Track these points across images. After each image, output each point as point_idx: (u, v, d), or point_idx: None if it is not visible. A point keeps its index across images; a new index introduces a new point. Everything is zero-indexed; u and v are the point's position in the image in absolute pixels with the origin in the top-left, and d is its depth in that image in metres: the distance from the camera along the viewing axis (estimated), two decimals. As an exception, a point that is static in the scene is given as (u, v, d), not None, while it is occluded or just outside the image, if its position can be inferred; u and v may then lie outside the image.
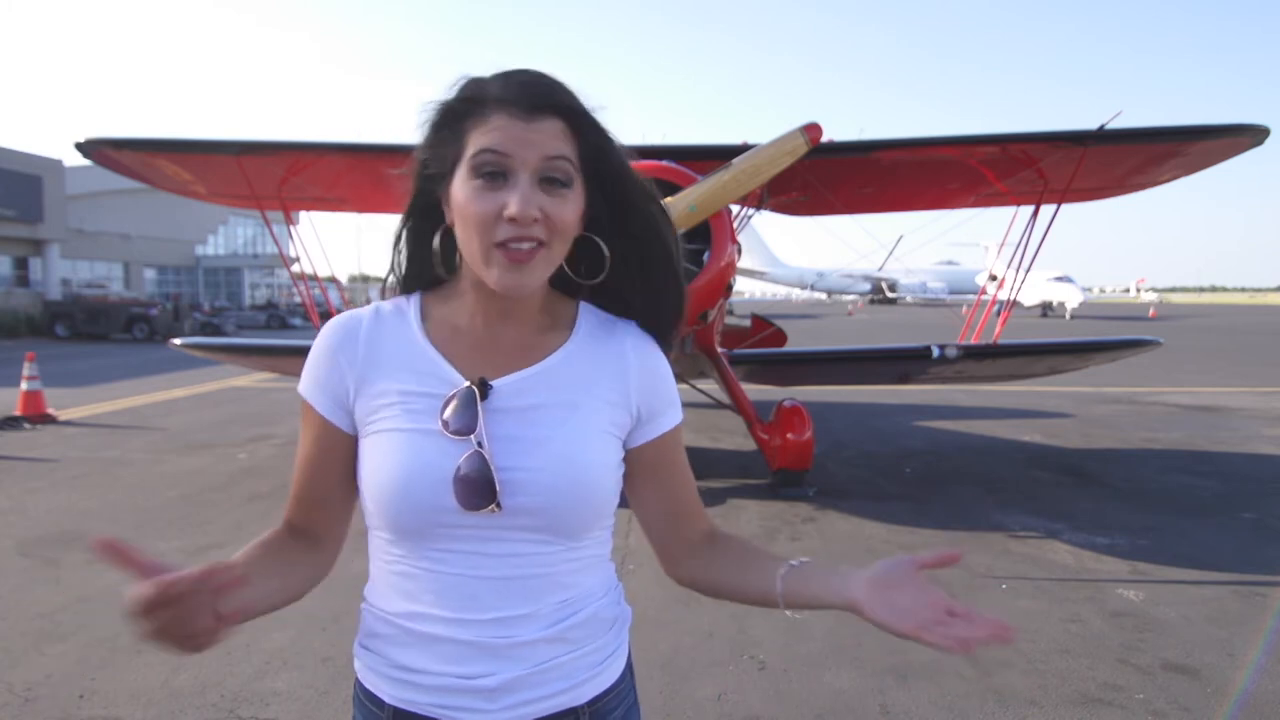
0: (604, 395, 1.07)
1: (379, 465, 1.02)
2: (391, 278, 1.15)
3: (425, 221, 1.09)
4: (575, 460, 1.02)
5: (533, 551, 1.02)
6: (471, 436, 0.99)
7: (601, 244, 1.08)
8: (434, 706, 1.02)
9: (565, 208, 1.00)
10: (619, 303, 1.15)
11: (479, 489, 0.98)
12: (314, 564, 1.11)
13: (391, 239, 1.13)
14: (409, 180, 1.09)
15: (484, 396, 1.01)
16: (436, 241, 1.07)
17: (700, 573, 1.16)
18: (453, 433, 0.99)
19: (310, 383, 1.08)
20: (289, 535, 1.11)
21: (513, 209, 0.95)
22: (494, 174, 0.97)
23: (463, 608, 1.01)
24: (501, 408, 1.02)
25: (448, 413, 1.00)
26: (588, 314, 1.13)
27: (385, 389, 1.04)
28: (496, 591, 1.01)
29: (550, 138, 0.98)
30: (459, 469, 0.98)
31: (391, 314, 1.09)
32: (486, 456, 0.98)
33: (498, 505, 0.98)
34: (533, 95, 0.99)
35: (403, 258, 1.13)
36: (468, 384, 1.02)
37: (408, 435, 1.01)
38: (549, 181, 0.98)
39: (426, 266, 1.11)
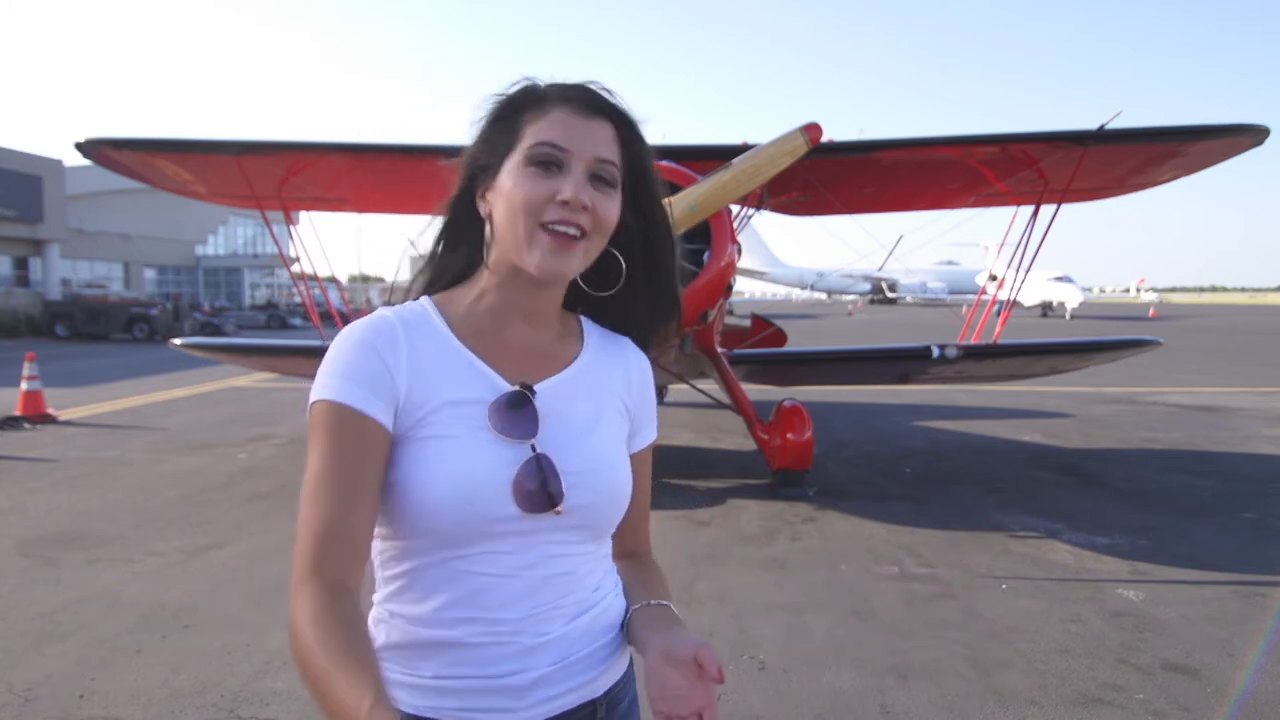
0: (617, 403, 1.13)
1: (433, 474, 0.97)
2: (421, 278, 1.14)
3: (465, 216, 1.10)
4: (610, 463, 1.08)
5: (565, 552, 1.04)
6: (532, 441, 1.01)
7: (620, 258, 1.12)
8: (460, 710, 1.00)
9: (610, 206, 1.04)
10: (620, 312, 1.18)
11: (543, 492, 0.99)
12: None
13: (434, 236, 1.13)
14: (456, 174, 1.10)
15: (529, 401, 1.03)
16: (489, 233, 1.07)
17: None
18: (514, 437, 1.00)
19: (350, 383, 0.97)
20: (345, 601, 0.91)
21: (567, 193, 0.99)
22: (548, 164, 1.01)
23: (496, 607, 1.01)
24: (543, 411, 1.04)
25: (506, 416, 1.01)
26: (590, 326, 1.17)
27: (430, 395, 1.00)
28: (530, 590, 1.02)
29: (604, 140, 1.03)
30: (520, 471, 0.99)
31: (415, 320, 1.05)
32: (550, 460, 1.01)
33: (560, 508, 1.00)
34: (593, 97, 1.05)
35: (439, 256, 1.13)
36: (515, 388, 1.03)
37: (462, 442, 0.99)
38: (598, 180, 1.02)
39: (454, 264, 1.12)
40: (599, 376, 1.12)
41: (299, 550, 0.94)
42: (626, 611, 1.12)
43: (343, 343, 1.01)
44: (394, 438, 0.99)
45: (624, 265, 1.12)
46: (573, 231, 1.00)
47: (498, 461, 0.99)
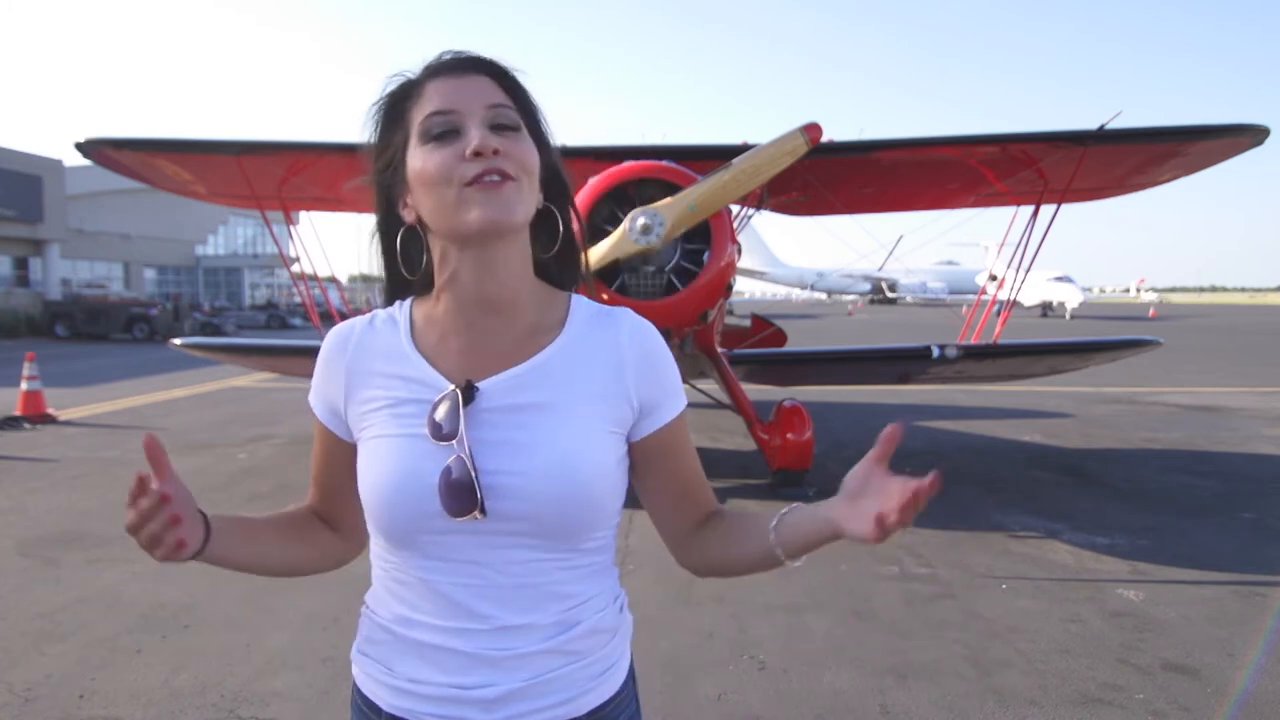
0: (599, 391, 1.04)
1: (367, 472, 1.03)
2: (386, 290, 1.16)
3: (395, 226, 1.09)
4: (564, 465, 0.99)
5: (528, 559, 1.00)
6: (454, 441, 0.98)
7: (556, 211, 1.09)
8: (431, 716, 1.01)
9: (523, 147, 1.00)
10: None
11: (461, 494, 0.96)
12: (331, 545, 1.19)
13: (378, 249, 1.14)
14: (374, 189, 1.09)
15: (469, 400, 1.00)
16: (398, 241, 1.08)
17: (703, 553, 1.13)
18: (439, 438, 0.98)
19: (312, 390, 1.13)
20: (311, 514, 1.18)
21: (473, 144, 0.96)
22: (444, 132, 0.98)
23: (461, 617, 1.00)
24: (489, 409, 1.00)
25: (438, 416, 0.99)
26: (581, 307, 1.10)
27: (373, 396, 1.05)
28: (494, 601, 1.00)
29: (488, 89, 1.01)
30: (443, 471, 0.97)
31: (385, 321, 1.10)
32: (467, 461, 0.97)
33: (481, 511, 0.96)
34: (459, 59, 1.03)
35: (385, 266, 1.13)
36: (453, 387, 1.01)
37: (395, 441, 1.01)
38: (499, 127, 0.99)
39: (401, 272, 1.12)
40: (574, 363, 1.04)
41: None
42: (768, 534, 1.03)
43: (320, 352, 1.13)
44: (353, 438, 1.09)
45: (561, 224, 1.09)
46: (495, 177, 0.96)
47: (424, 461, 0.98)
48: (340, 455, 1.11)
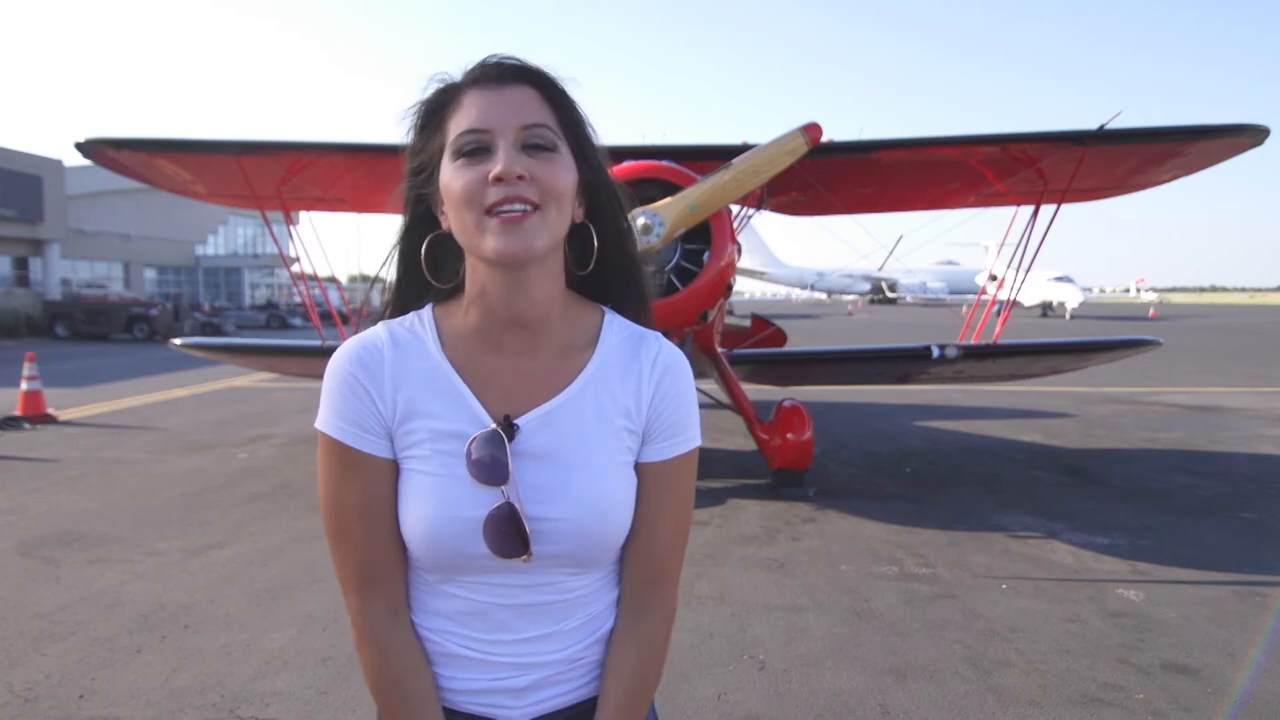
0: (622, 421, 1.05)
1: (410, 508, 1.01)
2: (388, 297, 1.11)
3: (425, 230, 1.07)
4: (599, 505, 1.01)
5: (559, 581, 1.05)
6: (502, 488, 0.98)
7: (592, 230, 1.06)
8: (467, 703, 1.07)
9: (553, 169, 0.96)
10: (596, 287, 1.12)
11: (510, 540, 0.98)
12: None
13: (392, 255, 1.10)
14: (405, 192, 1.07)
15: (510, 438, 0.99)
16: (424, 247, 1.05)
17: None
18: (483, 482, 0.98)
19: (346, 422, 1.01)
20: (394, 616, 1.05)
21: (497, 169, 0.93)
22: (475, 150, 0.96)
23: (492, 630, 1.04)
24: (525, 449, 1.00)
25: (476, 454, 0.98)
26: (613, 329, 1.09)
27: (416, 424, 1.01)
28: (525, 617, 1.04)
29: (525, 104, 0.97)
30: (490, 517, 0.98)
31: (407, 337, 1.05)
32: (518, 508, 0.98)
33: (529, 554, 0.99)
34: (500, 68, 0.99)
35: (402, 272, 1.10)
36: (492, 427, 1.00)
37: (438, 480, 0.99)
38: (532, 148, 0.96)
39: (426, 280, 1.09)
40: (602, 395, 1.04)
41: (341, 576, 1.04)
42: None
43: (334, 371, 1.02)
44: (396, 456, 1.03)
45: (596, 241, 1.06)
46: (517, 208, 0.93)
47: (470, 504, 0.98)
48: (383, 481, 1.02)
